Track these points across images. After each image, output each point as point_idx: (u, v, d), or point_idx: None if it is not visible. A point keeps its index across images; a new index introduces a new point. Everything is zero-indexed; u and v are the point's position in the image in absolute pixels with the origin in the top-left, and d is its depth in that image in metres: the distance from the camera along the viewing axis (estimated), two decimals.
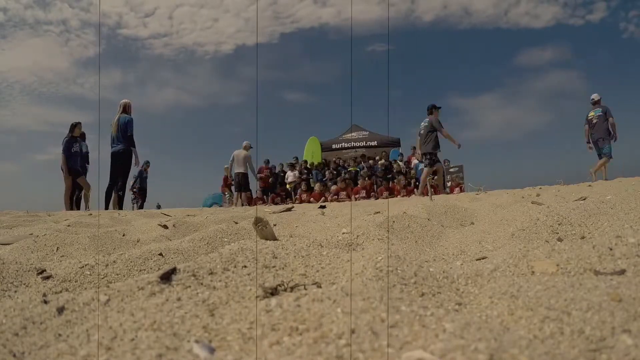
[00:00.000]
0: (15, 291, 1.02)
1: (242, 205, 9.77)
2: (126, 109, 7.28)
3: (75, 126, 7.92)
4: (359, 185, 10.68)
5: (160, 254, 1.30)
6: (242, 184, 10.28)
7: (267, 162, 12.59)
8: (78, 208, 7.88)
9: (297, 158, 13.20)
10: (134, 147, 7.13)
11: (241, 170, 10.18)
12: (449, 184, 10.98)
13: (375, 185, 10.98)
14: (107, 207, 7.36)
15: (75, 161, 7.86)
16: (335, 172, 11.64)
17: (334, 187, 10.71)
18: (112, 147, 7.20)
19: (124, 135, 7.08)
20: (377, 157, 12.10)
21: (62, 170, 7.81)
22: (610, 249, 0.80)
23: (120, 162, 7.11)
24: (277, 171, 12.45)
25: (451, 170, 11.42)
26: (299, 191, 11.27)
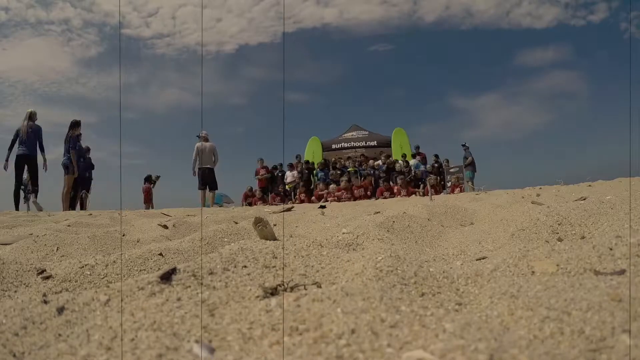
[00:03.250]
0: (15, 291, 1.02)
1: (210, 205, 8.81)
2: (32, 117, 7.57)
3: (79, 124, 7.99)
4: (357, 184, 10.68)
5: (160, 254, 1.30)
6: (208, 180, 9.10)
7: (262, 160, 12.19)
8: (73, 208, 7.93)
9: (299, 156, 13.16)
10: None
11: (208, 165, 9.06)
12: (449, 184, 10.98)
13: (374, 186, 10.98)
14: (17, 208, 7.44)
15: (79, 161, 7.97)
16: (339, 172, 11.62)
17: (332, 186, 10.70)
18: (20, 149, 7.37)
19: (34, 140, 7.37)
20: (380, 161, 12.07)
21: (67, 168, 7.84)
22: (610, 249, 0.80)
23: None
24: (277, 171, 12.43)
25: (451, 170, 11.42)
26: (297, 191, 11.26)
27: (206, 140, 9.23)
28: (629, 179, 4.01)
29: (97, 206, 8.51)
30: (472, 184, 10.62)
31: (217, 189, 9.30)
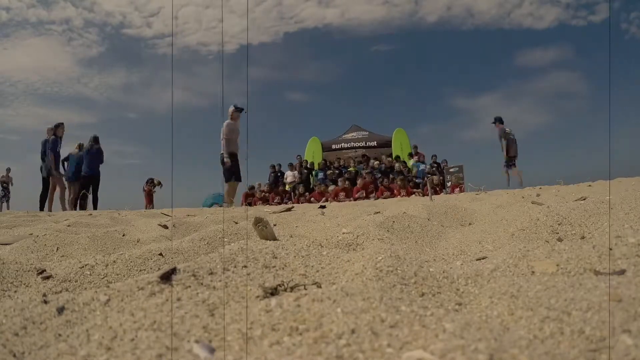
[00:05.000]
0: (15, 291, 1.02)
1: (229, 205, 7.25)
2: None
3: (59, 126, 8.26)
4: (358, 185, 10.68)
5: (160, 254, 1.30)
6: (229, 169, 7.12)
7: (252, 187, 11.54)
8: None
9: (300, 156, 13.17)
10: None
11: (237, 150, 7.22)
12: (449, 184, 10.98)
13: (374, 186, 10.98)
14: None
15: (60, 162, 8.28)
16: (337, 171, 11.63)
17: (332, 187, 10.71)
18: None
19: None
20: (378, 162, 12.08)
21: (51, 171, 8.08)
22: (610, 249, 0.80)
23: None
24: (276, 170, 12.44)
25: (451, 170, 11.40)
26: (297, 192, 11.27)
27: (234, 117, 7.31)
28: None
29: (97, 206, 8.56)
30: None
31: (240, 180, 7.49)
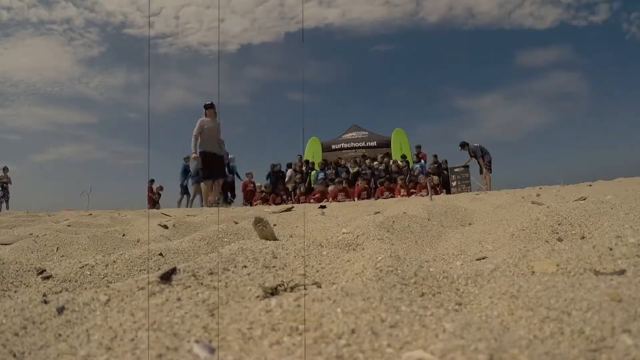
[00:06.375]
0: (15, 291, 1.02)
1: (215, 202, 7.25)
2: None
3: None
4: (358, 186, 10.67)
5: (160, 254, 1.30)
6: (216, 168, 7.40)
7: (251, 175, 11.63)
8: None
9: (300, 156, 13.16)
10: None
11: (215, 149, 7.36)
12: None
13: (373, 186, 10.97)
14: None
15: None
16: (335, 171, 11.63)
17: (331, 188, 10.70)
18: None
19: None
20: (378, 161, 12.06)
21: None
22: (610, 249, 0.80)
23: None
24: (276, 170, 12.42)
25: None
26: (297, 192, 11.26)
27: (212, 114, 7.25)
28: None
29: (97, 206, 8.58)
30: None
31: (224, 177, 7.79)
